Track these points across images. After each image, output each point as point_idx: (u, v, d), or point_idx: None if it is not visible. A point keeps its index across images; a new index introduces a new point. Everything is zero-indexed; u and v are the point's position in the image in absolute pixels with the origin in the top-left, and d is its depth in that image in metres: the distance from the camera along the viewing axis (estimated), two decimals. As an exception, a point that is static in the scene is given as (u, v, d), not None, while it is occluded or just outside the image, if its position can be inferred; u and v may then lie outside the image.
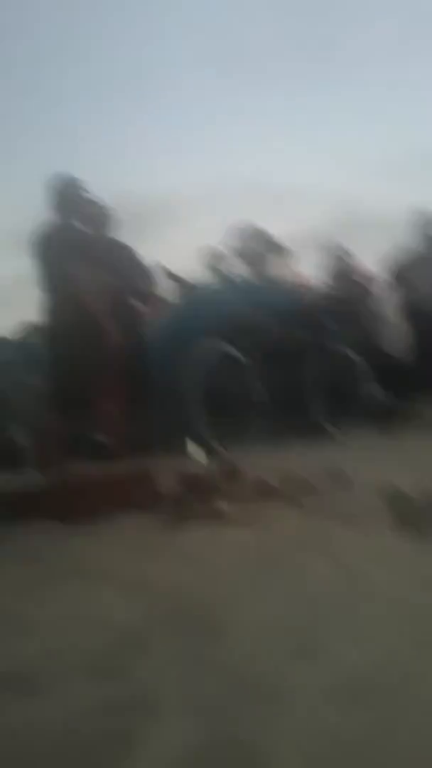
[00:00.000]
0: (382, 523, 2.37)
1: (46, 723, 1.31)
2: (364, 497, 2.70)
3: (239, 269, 5.75)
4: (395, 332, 6.41)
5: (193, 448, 4.02)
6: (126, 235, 4.72)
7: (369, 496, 2.66)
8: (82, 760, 1.21)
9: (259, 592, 1.91)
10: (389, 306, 6.71)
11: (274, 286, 5.67)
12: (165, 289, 5.21)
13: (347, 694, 1.29)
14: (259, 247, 5.86)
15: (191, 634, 1.65)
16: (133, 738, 1.23)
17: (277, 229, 6.16)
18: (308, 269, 6.26)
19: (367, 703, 1.25)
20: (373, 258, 6.65)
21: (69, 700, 1.38)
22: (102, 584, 2.07)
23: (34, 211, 4.44)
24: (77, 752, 1.23)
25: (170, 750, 1.17)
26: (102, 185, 4.78)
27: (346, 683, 1.33)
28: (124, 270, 4.42)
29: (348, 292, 6.46)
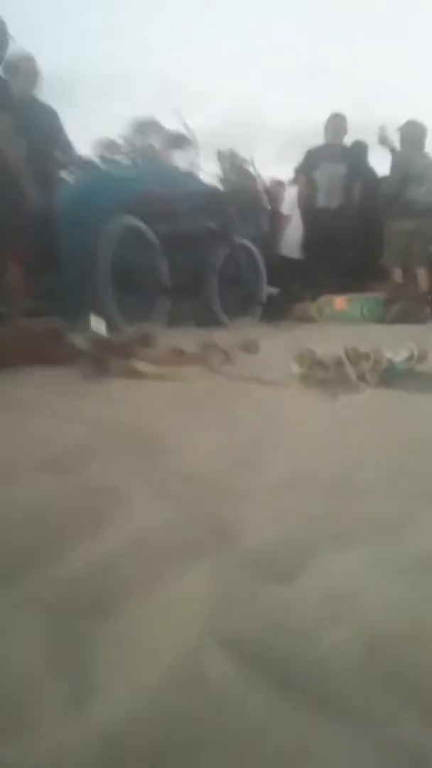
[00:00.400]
0: (294, 381, 2.61)
1: (16, 506, 1.42)
2: (274, 363, 2.92)
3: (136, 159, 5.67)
4: (290, 231, 6.66)
5: (96, 322, 4.05)
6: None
7: (278, 362, 2.89)
8: (57, 533, 1.33)
9: (193, 425, 2.09)
10: (284, 206, 6.92)
11: (180, 173, 5.67)
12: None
13: (291, 487, 1.50)
14: (158, 141, 5.81)
15: (138, 450, 1.79)
16: (105, 516, 1.36)
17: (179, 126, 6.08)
18: (209, 167, 6.30)
19: (310, 492, 1.47)
20: (268, 160, 6.81)
21: (37, 489, 1.49)
22: (37, 415, 2.16)
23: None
24: (51, 527, 1.35)
25: (143, 524, 1.32)
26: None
27: (288, 481, 1.54)
28: (48, 134, 4.23)
29: (246, 189, 6.59)
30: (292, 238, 6.67)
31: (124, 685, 0.80)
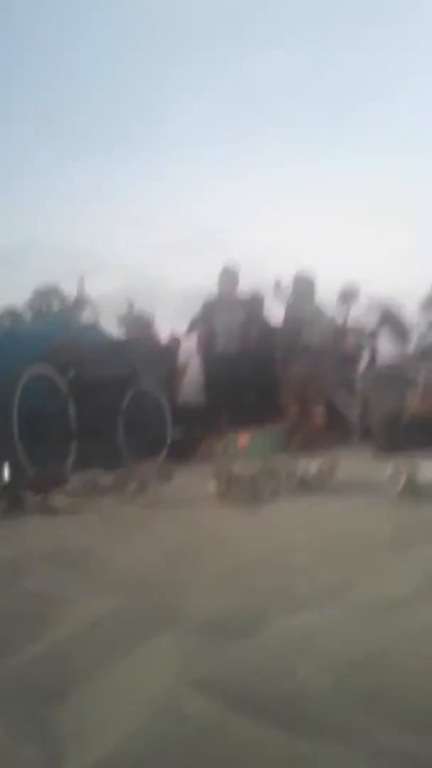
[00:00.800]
0: (212, 498, 2.69)
1: None
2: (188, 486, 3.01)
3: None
4: (191, 377, 6.97)
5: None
6: None
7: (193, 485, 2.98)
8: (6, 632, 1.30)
9: (117, 544, 2.10)
10: (182, 355, 7.29)
11: (87, 326, 5.94)
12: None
13: (230, 575, 1.54)
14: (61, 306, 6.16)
15: (70, 565, 1.78)
16: (52, 614, 1.35)
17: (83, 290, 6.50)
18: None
19: (247, 577, 1.52)
20: (168, 316, 7.26)
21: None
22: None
23: None
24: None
25: (91, 614, 1.32)
26: None
27: (226, 571, 1.58)
28: None
29: (148, 341, 6.94)
30: (193, 383, 6.97)
31: (106, 733, 0.80)
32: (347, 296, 6.78)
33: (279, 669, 0.90)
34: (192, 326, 6.91)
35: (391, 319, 6.68)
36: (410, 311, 6.55)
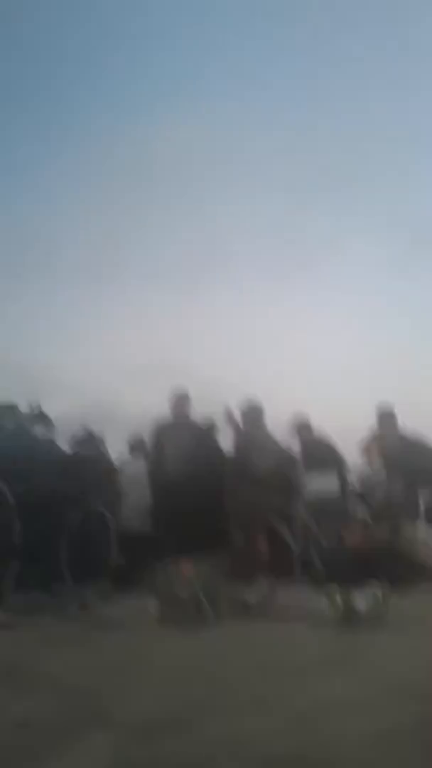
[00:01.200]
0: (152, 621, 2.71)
1: None
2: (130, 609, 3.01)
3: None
4: (138, 502, 6.94)
5: None
6: None
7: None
8: None
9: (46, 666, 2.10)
10: (134, 479, 7.30)
11: (40, 440, 5.98)
12: None
13: (161, 684, 1.59)
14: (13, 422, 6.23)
15: None
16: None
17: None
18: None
19: (183, 686, 1.57)
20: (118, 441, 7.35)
21: None
22: None
23: None
24: None
25: (17, 715, 1.35)
26: None
27: (158, 685, 1.63)
28: None
29: (100, 463, 6.96)
30: (139, 507, 6.92)
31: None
32: (298, 428, 7.01)
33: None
34: (134, 448, 6.97)
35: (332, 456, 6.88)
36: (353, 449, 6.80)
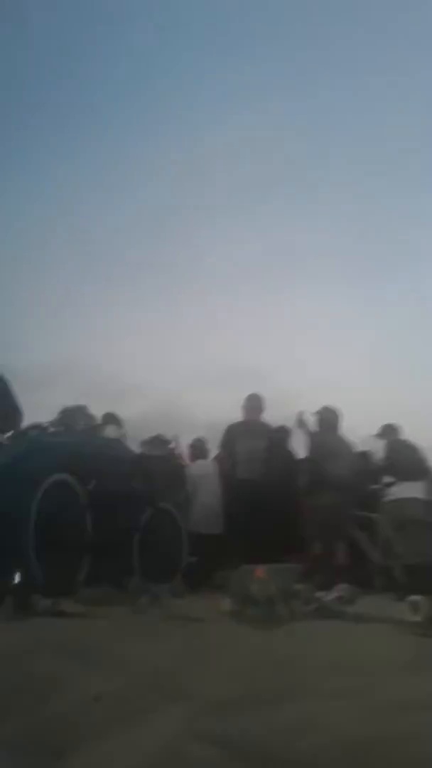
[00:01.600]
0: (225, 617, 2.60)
1: None
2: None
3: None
4: (209, 504, 6.86)
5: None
6: None
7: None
8: None
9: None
10: (208, 482, 7.23)
11: (110, 439, 6.02)
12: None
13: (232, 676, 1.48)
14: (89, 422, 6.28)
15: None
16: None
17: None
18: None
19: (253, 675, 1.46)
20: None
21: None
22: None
23: None
24: None
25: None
26: None
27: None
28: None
29: (170, 463, 6.93)
30: (211, 509, 6.82)
31: None
32: (385, 433, 6.78)
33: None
34: (195, 450, 6.91)
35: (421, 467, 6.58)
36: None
